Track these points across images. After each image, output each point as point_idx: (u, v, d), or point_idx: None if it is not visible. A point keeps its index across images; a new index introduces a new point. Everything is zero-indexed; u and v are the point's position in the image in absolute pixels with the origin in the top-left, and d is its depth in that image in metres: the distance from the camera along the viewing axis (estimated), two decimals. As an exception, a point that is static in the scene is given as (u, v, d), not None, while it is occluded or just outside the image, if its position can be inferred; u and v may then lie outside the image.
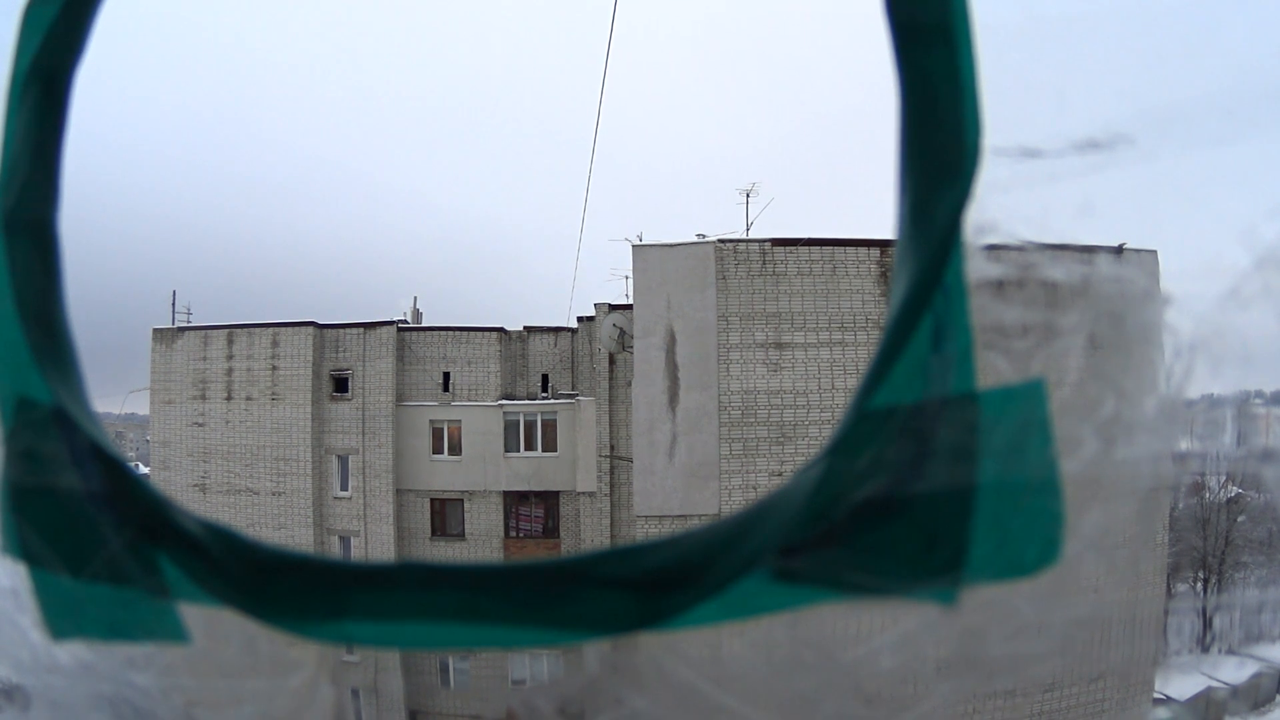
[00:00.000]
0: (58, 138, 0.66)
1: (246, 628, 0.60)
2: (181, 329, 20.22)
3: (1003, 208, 0.54)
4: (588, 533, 18.44)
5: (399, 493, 19.38)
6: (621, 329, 17.16)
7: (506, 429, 19.51)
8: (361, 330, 19.84)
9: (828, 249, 14.50)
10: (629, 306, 16.14)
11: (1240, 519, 22.19)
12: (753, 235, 15.70)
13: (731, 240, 14.87)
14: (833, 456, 0.55)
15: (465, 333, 20.10)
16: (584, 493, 18.67)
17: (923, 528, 0.54)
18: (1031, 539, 0.54)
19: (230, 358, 19.74)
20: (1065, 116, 0.58)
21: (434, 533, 19.59)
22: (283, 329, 19.76)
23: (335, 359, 19.78)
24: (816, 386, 14.16)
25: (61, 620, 0.64)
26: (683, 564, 0.57)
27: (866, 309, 14.23)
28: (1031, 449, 0.54)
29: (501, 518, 19.48)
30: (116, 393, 20.73)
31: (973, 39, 0.54)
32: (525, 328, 20.31)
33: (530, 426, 19.49)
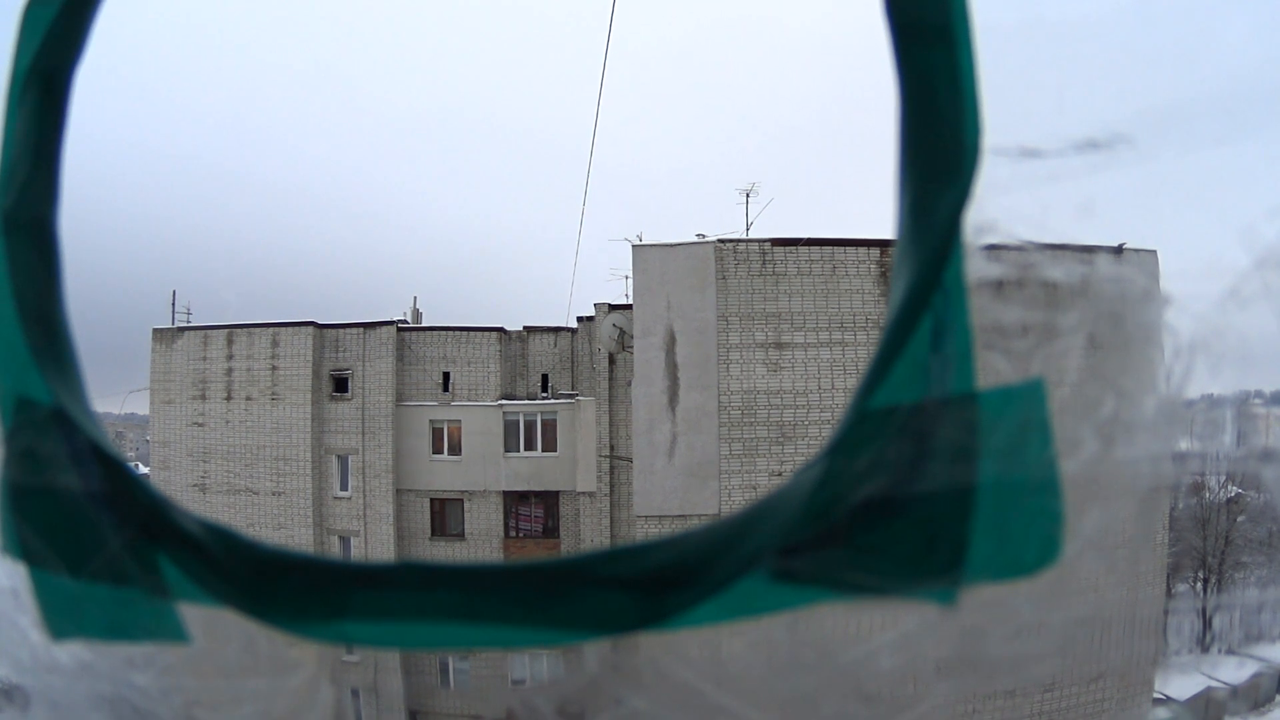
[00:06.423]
0: (58, 138, 0.66)
1: (246, 628, 0.60)
2: (181, 329, 20.20)
3: (1003, 208, 0.54)
4: (588, 533, 18.43)
5: (399, 493, 19.36)
6: (621, 329, 17.15)
7: (506, 429, 19.49)
8: (361, 330, 19.82)
9: (828, 249, 14.49)
10: (629, 306, 16.13)
11: (1240, 519, 22.17)
12: (753, 235, 15.70)
13: (731, 240, 14.85)
14: (833, 456, 0.55)
15: (465, 333, 20.07)
16: (584, 493, 18.65)
17: (923, 528, 0.54)
18: (1031, 539, 0.54)
19: (230, 358, 19.72)
20: (1065, 116, 0.58)
21: (434, 533, 19.57)
22: (282, 329, 19.75)
23: (335, 359, 19.76)
24: (816, 386, 14.15)
25: (61, 620, 0.64)
26: (683, 564, 0.57)
27: (866, 309, 14.22)
28: (1031, 449, 0.54)
29: (501, 518, 19.47)
30: (116, 393, 20.73)
31: (973, 39, 0.54)
32: (525, 328, 20.29)
33: (530, 426, 19.47)
